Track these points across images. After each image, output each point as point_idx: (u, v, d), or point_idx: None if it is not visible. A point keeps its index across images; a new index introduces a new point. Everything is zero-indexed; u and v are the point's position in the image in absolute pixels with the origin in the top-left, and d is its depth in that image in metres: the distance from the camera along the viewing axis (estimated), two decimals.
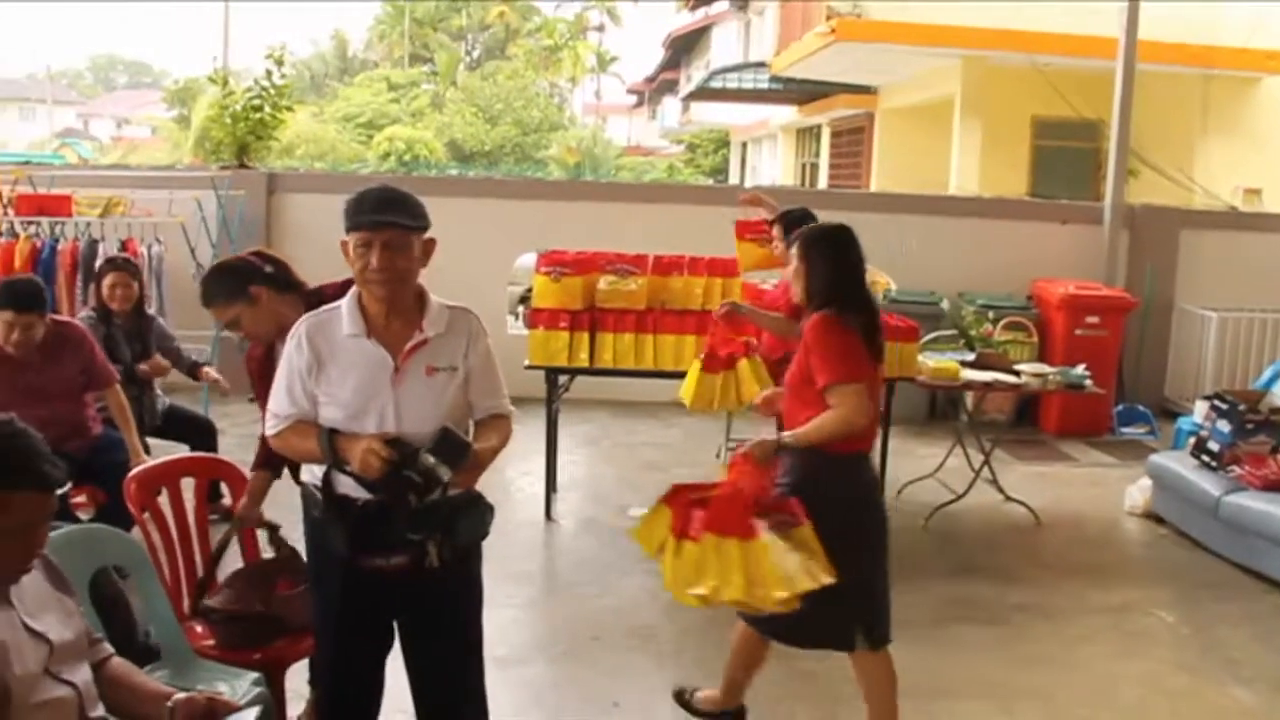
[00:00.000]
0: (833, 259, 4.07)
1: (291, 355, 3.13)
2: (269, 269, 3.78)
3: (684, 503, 3.65)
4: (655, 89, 48.10)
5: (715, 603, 3.53)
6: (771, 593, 3.47)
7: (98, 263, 8.49)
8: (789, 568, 3.51)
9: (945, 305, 9.64)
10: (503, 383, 3.27)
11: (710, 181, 33.48)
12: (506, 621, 5.16)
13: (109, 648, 2.82)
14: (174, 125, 44.37)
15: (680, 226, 9.47)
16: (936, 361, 6.97)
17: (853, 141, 21.03)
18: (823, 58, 15.98)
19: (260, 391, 3.66)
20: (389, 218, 2.98)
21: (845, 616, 3.86)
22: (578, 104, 57.03)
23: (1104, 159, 12.18)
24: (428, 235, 3.09)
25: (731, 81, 21.38)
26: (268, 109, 10.07)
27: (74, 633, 2.67)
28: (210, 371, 6.82)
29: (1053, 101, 13.44)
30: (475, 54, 56.12)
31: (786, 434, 3.89)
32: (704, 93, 22.70)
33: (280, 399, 3.14)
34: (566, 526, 6.84)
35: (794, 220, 5.99)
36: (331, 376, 3.09)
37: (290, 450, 3.19)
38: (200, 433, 6.58)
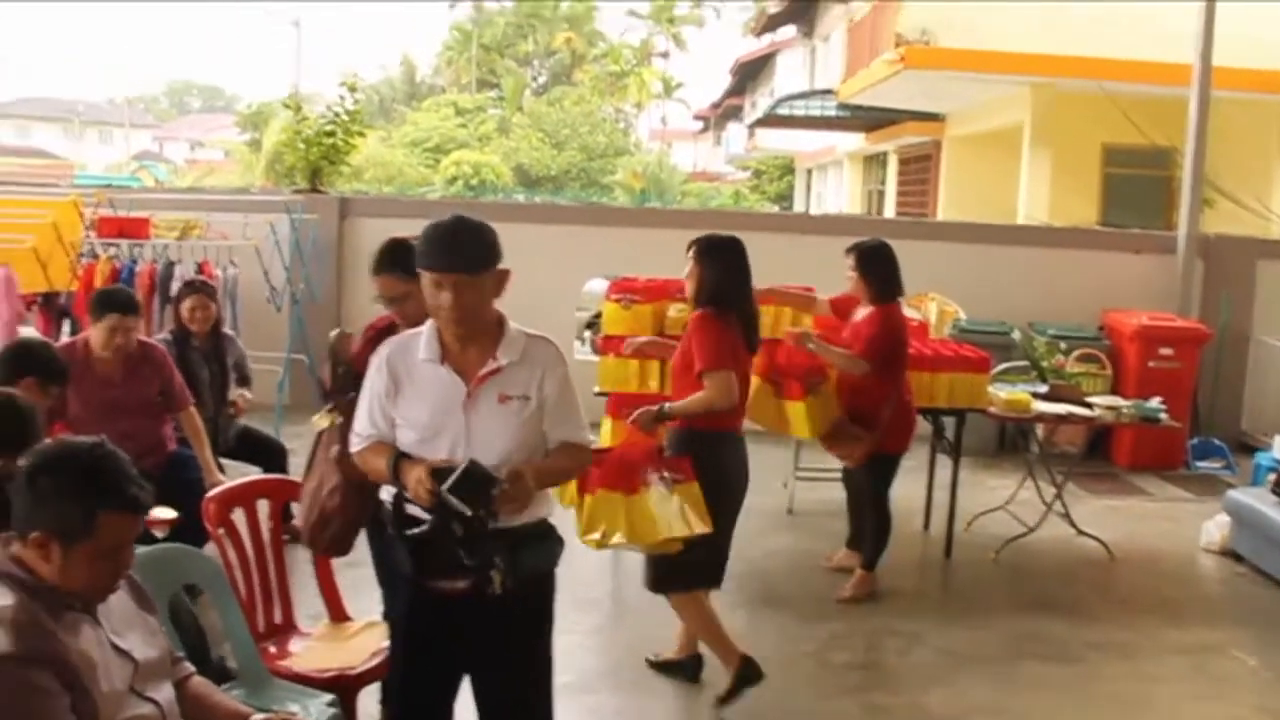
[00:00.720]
0: (721, 265, 4.80)
1: (372, 377, 3.19)
2: None
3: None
4: (720, 115, 48.19)
5: (606, 546, 4.40)
6: (652, 537, 4.33)
7: (174, 284, 8.67)
8: (669, 516, 4.31)
9: (1016, 336, 9.52)
10: (581, 414, 3.26)
11: (775, 208, 33.45)
12: (573, 647, 5.14)
13: (190, 666, 2.86)
14: (246, 149, 45.09)
15: (750, 253, 9.43)
16: (1008, 393, 6.88)
17: (920, 169, 20.92)
18: (891, 85, 15.93)
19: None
20: (456, 259, 3.00)
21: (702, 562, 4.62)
22: (643, 130, 57.31)
23: (1176, 187, 12.02)
24: (502, 266, 3.09)
25: (799, 108, 21.34)
26: (340, 134, 10.20)
27: (158, 651, 2.70)
28: (244, 395, 6.80)
29: (1123, 129, 13.27)
30: (541, 80, 56.63)
31: (666, 405, 4.70)
32: (771, 119, 22.67)
33: (362, 419, 3.21)
34: (631, 554, 6.80)
35: (867, 251, 6.03)
36: (407, 400, 3.13)
37: (366, 468, 3.23)
38: (271, 454, 6.65)
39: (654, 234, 10.54)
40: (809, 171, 33.39)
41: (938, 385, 6.55)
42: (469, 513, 2.90)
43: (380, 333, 4.14)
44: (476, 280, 3.02)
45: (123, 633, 2.61)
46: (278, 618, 4.06)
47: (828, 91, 21.04)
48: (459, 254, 3.01)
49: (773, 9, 32.02)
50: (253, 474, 6.00)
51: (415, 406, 3.12)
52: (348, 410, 4.06)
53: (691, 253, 4.88)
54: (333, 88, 10.23)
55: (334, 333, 4.39)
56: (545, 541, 3.21)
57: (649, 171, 42.96)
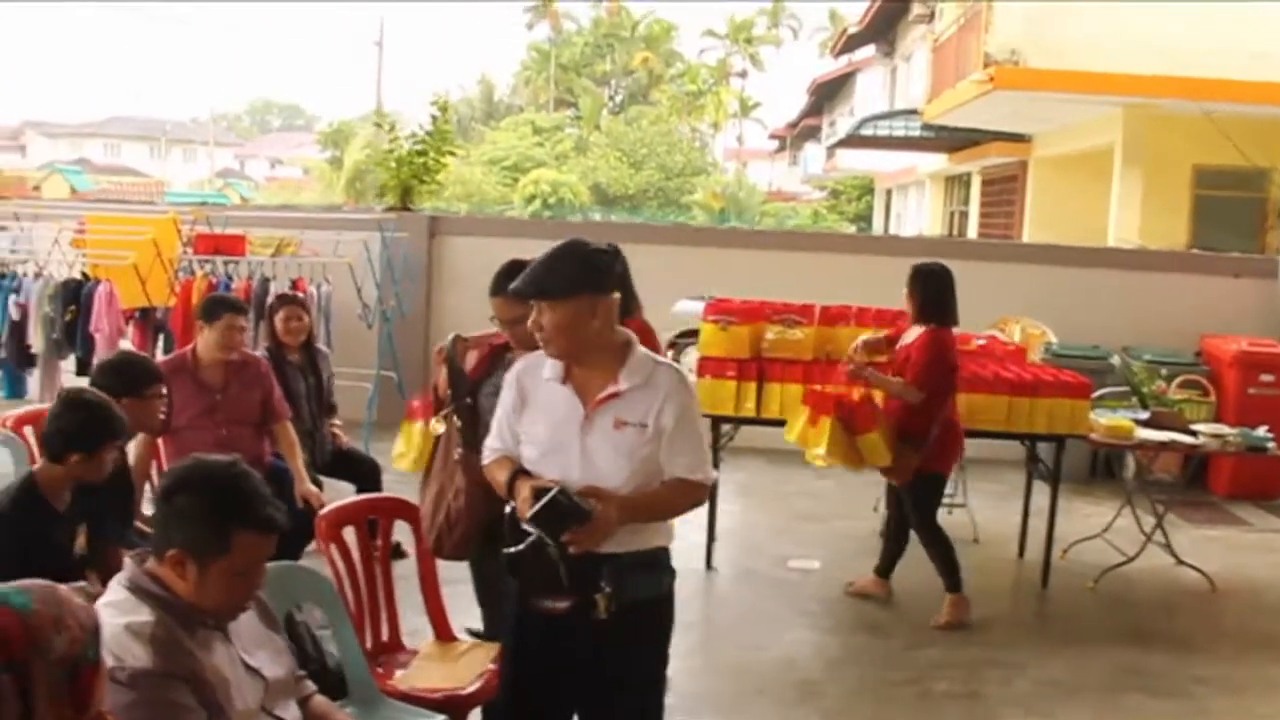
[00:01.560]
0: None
1: (504, 393, 3.27)
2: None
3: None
4: (797, 135, 48.10)
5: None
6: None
7: (269, 300, 8.82)
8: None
9: (1115, 361, 9.33)
10: (703, 448, 3.22)
11: (852, 229, 33.27)
12: (671, 671, 5.11)
13: (311, 685, 2.88)
14: (327, 166, 45.83)
15: (832, 274, 9.43)
16: (1110, 420, 6.75)
17: (1005, 190, 20.67)
18: (978, 106, 15.75)
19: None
20: (532, 284, 3.06)
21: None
22: (718, 149, 57.34)
23: (1272, 209, 11.74)
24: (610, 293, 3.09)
25: (883, 128, 21.21)
26: (431, 154, 10.30)
27: (285, 670, 2.73)
28: (335, 426, 6.87)
29: (1215, 149, 13.01)
30: (618, 99, 56.89)
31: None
32: (854, 139, 22.54)
33: (492, 433, 3.28)
34: (725, 576, 6.79)
35: (922, 272, 6.05)
36: (530, 417, 3.17)
37: (491, 481, 3.27)
38: (366, 472, 6.67)
39: (739, 254, 10.54)
40: (888, 191, 33.15)
41: (1037, 410, 6.43)
42: (548, 540, 2.92)
43: (496, 350, 4.19)
44: (561, 304, 3.01)
45: (252, 651, 2.64)
46: (385, 635, 4.08)
47: (912, 112, 20.88)
48: (537, 279, 3.05)
49: (853, 29, 31.90)
50: (348, 491, 6.08)
51: (537, 424, 3.14)
52: (464, 415, 4.12)
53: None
54: (412, 107, 10.42)
55: (449, 337, 4.42)
56: (654, 571, 3.18)
57: (728, 192, 42.95)
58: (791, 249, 11.03)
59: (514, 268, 3.95)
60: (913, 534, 6.14)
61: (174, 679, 2.35)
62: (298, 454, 5.87)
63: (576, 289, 3.02)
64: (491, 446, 3.27)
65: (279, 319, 6.56)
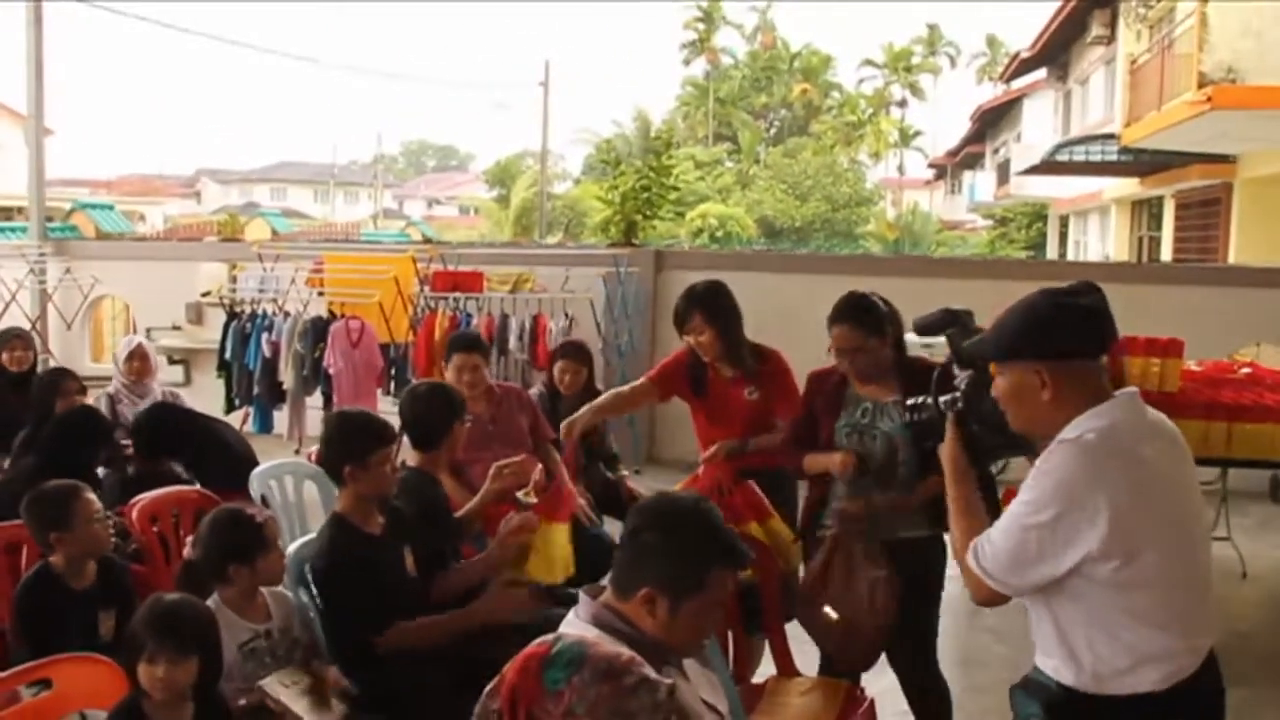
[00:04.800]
0: None
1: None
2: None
3: None
4: (958, 163, 47.30)
5: None
6: None
7: (510, 337, 8.96)
8: None
9: None
10: None
11: (1022, 256, 32.49)
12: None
13: None
14: (494, 205, 46.67)
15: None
16: None
17: (1204, 214, 19.91)
18: (1188, 127, 15.22)
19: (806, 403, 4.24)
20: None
21: None
22: (872, 179, 56.81)
23: None
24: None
25: (1078, 154, 20.67)
26: (654, 189, 10.36)
27: (725, 705, 2.69)
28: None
29: None
30: (773, 130, 56.84)
31: None
32: (1046, 165, 21.99)
33: None
34: None
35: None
36: None
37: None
38: (624, 507, 6.64)
39: (941, 284, 10.29)
40: (1061, 218, 32.29)
41: None
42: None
43: (836, 385, 4.16)
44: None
45: (700, 686, 2.61)
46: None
47: (1109, 136, 20.32)
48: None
49: (1025, 54, 31.26)
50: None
51: None
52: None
53: None
54: (569, 146, 10.52)
55: None
56: None
57: (902, 221, 42.47)
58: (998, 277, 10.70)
59: (855, 299, 4.08)
60: None
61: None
62: (564, 473, 5.87)
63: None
64: None
65: (555, 368, 6.56)
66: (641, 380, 5.15)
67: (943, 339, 3.07)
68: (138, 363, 6.58)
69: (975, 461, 2.86)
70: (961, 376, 2.89)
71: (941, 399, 2.92)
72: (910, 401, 3.04)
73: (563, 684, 2.24)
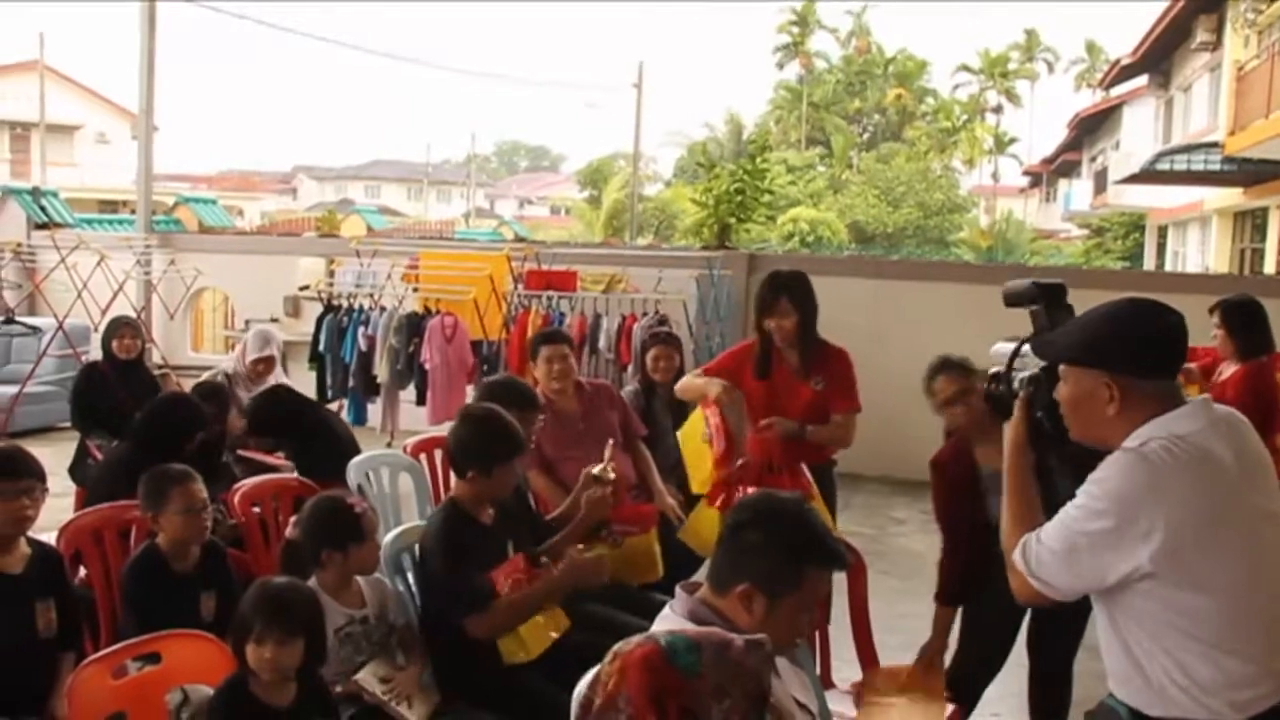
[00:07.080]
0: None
1: None
2: None
3: None
4: (1054, 170, 46.51)
5: None
6: None
7: (601, 336, 9.02)
8: None
9: None
10: None
11: (1119, 267, 31.85)
12: None
13: None
14: (585, 205, 46.88)
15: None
16: None
17: None
18: None
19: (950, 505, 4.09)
20: None
21: None
22: (968, 186, 56.08)
23: None
24: None
25: (1179, 163, 20.23)
26: (749, 192, 10.36)
27: (815, 705, 2.70)
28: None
29: None
30: (866, 136, 56.39)
31: None
32: (1148, 174, 21.55)
33: None
34: None
35: (1233, 306, 5.85)
36: None
37: None
38: None
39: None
40: (1159, 229, 31.62)
41: None
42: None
43: (940, 468, 4.26)
44: None
45: (792, 685, 2.62)
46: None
47: (1212, 145, 19.87)
48: None
49: (1126, 60, 30.65)
50: None
51: None
52: None
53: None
54: (660, 148, 10.54)
55: None
56: None
57: (996, 230, 41.89)
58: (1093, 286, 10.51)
59: (936, 360, 4.20)
60: None
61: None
62: (654, 470, 5.88)
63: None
64: None
65: (649, 356, 6.59)
66: (698, 375, 5.11)
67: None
68: (263, 366, 6.72)
69: (1042, 446, 2.76)
70: (1036, 359, 2.78)
71: (1018, 375, 2.81)
72: (993, 370, 2.92)
73: (699, 665, 2.25)
